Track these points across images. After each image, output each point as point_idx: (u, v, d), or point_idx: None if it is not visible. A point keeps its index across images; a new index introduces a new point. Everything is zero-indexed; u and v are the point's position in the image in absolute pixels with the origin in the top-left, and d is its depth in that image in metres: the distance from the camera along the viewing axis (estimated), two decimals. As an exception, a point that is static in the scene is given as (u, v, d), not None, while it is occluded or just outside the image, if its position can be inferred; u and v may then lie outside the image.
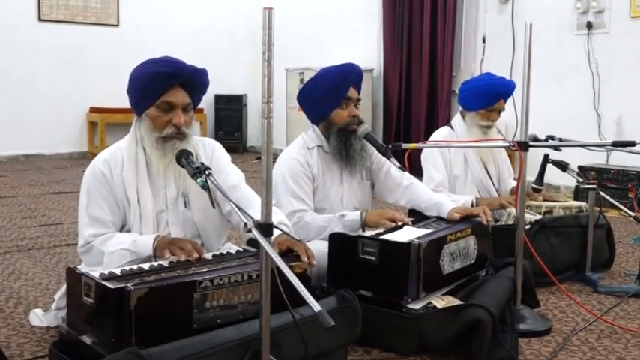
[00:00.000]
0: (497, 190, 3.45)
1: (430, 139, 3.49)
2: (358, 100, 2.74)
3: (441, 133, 3.48)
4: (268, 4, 1.56)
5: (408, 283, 2.18)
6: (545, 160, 3.08)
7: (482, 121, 3.32)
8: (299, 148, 2.76)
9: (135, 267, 1.93)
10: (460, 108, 3.47)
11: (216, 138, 7.74)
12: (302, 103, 2.80)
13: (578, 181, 3.29)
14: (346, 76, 2.68)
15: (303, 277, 1.97)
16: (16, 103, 7.57)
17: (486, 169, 3.42)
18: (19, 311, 2.57)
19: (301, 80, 6.98)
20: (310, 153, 2.74)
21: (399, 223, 2.52)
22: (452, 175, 3.35)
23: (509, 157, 3.65)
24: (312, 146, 2.75)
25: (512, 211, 3.08)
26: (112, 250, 2.09)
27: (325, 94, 2.67)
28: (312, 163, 2.72)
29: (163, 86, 2.15)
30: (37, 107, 7.69)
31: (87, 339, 1.78)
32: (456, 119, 3.46)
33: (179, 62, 2.18)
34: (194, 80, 2.20)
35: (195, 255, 2.01)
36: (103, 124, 7.74)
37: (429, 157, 3.37)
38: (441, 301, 2.26)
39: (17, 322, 2.45)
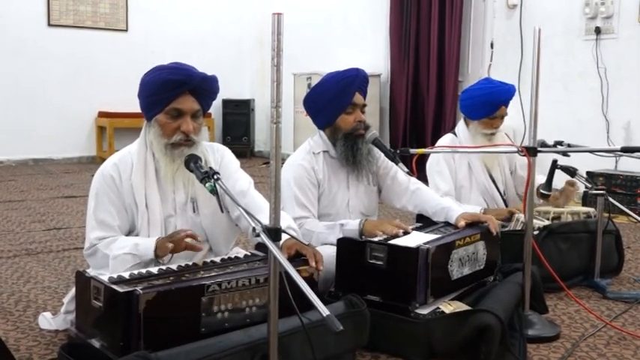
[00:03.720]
0: (503, 194, 3.44)
1: (434, 147, 3.48)
2: (364, 105, 2.74)
3: (444, 141, 3.47)
4: (276, 10, 1.57)
5: (416, 288, 2.18)
6: (554, 165, 3.07)
7: (486, 130, 3.32)
8: (305, 153, 2.76)
9: (143, 271, 1.94)
10: (463, 115, 3.46)
11: (224, 143, 7.77)
12: (308, 109, 2.81)
13: (586, 187, 3.27)
14: (351, 82, 2.68)
15: (309, 281, 1.97)
16: (25, 107, 7.61)
17: (491, 176, 3.41)
18: (28, 314, 2.58)
19: (309, 85, 6.99)
20: (316, 158, 2.74)
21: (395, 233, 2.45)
22: (457, 183, 3.35)
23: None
24: (318, 151, 2.76)
25: (521, 216, 3.07)
26: (116, 255, 2.10)
27: (330, 99, 2.67)
28: (317, 169, 2.73)
29: (172, 93, 2.15)
30: (46, 112, 7.73)
31: (96, 342, 1.79)
32: (460, 126, 3.45)
33: (189, 69, 2.19)
34: (203, 87, 2.20)
35: (199, 245, 2.01)
36: (112, 129, 7.77)
37: (435, 166, 3.36)
38: (449, 306, 2.25)
39: (26, 325, 2.46)
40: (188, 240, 2.03)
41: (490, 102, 3.28)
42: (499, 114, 3.32)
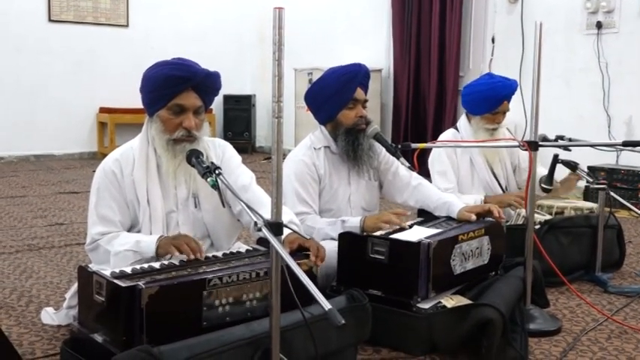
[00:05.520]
0: (505, 190, 3.44)
1: (435, 142, 3.48)
2: (365, 100, 2.74)
3: (446, 136, 3.47)
4: (278, 5, 1.57)
5: (417, 282, 2.18)
6: (555, 159, 3.07)
7: (488, 125, 3.32)
8: (306, 148, 2.75)
9: (145, 266, 1.95)
10: (465, 110, 3.46)
11: (225, 138, 7.77)
12: (309, 104, 2.80)
13: (588, 181, 3.28)
14: (353, 77, 2.67)
15: (309, 275, 1.97)
16: (26, 103, 7.62)
17: (493, 171, 3.41)
18: (30, 310, 2.58)
19: (310, 80, 6.99)
20: (317, 154, 2.74)
21: (396, 227, 2.45)
22: (459, 179, 3.35)
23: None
24: (320, 147, 2.75)
25: (522, 211, 3.07)
26: (117, 251, 2.11)
27: (332, 95, 2.67)
28: (318, 164, 2.72)
29: (175, 89, 2.15)
30: (47, 107, 7.73)
31: (98, 337, 1.79)
32: (462, 121, 3.45)
33: (192, 66, 2.18)
34: (206, 84, 2.20)
35: (198, 255, 2.01)
36: (113, 125, 7.78)
37: (437, 164, 3.36)
38: (451, 300, 2.25)
39: (29, 320, 2.47)
40: (185, 248, 2.02)
41: (492, 97, 3.28)
42: (501, 109, 3.31)
